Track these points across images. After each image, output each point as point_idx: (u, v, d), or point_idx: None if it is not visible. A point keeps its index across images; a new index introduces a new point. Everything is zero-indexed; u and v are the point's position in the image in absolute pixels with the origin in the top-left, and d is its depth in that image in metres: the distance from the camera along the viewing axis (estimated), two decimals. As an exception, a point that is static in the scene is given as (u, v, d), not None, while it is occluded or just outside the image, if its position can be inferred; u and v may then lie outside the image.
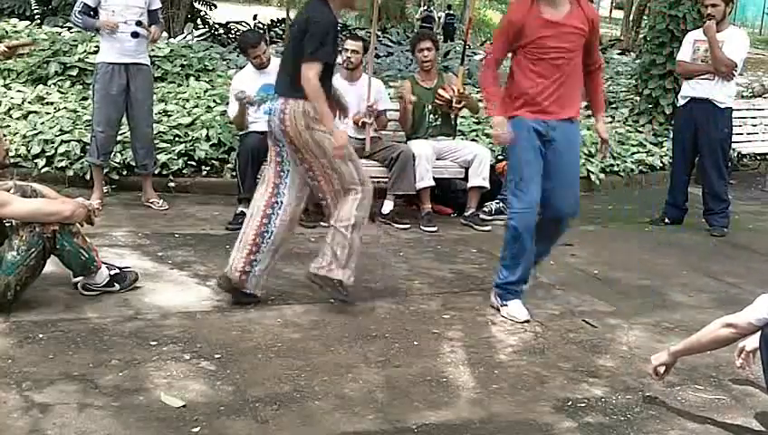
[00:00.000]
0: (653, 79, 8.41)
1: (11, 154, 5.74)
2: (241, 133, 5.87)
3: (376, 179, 6.14)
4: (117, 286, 4.05)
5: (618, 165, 7.63)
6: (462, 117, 6.95)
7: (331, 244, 4.02)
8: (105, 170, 5.87)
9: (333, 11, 3.93)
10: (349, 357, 3.55)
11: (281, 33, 11.96)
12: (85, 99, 6.81)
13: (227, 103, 6.19)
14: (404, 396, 3.23)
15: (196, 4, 12.94)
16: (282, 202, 4.00)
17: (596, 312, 4.32)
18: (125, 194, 6.00)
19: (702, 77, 5.95)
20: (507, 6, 28.33)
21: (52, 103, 6.85)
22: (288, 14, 5.89)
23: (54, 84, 7.22)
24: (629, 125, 8.51)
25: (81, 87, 7.20)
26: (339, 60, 6.04)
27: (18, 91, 7.03)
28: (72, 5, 5.57)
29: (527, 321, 4.07)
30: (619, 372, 3.58)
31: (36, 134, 6.25)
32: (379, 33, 12.43)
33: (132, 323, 3.73)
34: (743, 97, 9.54)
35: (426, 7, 19.86)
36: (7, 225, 3.77)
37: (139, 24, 5.47)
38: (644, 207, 6.72)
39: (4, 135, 5.94)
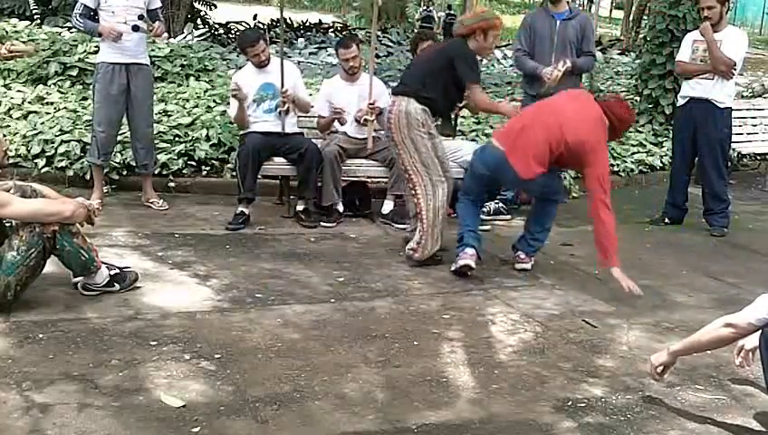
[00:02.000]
0: (653, 79, 8.41)
1: (11, 154, 5.74)
2: (241, 133, 5.87)
3: (376, 179, 6.17)
4: (117, 286, 4.05)
5: (618, 165, 7.63)
6: (462, 117, 6.94)
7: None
8: (105, 170, 5.86)
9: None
10: (349, 357, 3.55)
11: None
12: (85, 99, 6.81)
13: (227, 103, 6.19)
14: (404, 396, 3.23)
15: (196, 4, 12.96)
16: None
17: (596, 312, 4.32)
18: (125, 194, 6.00)
19: (701, 77, 5.94)
20: (508, 7, 28.30)
21: (52, 103, 6.84)
22: (282, 14, 5.80)
23: (54, 84, 7.21)
24: (629, 125, 8.50)
25: (81, 87, 7.19)
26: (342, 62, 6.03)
27: (18, 91, 7.02)
28: (71, 6, 5.57)
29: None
30: (619, 372, 3.58)
31: (36, 134, 6.25)
32: (379, 33, 12.42)
33: (132, 323, 3.73)
34: (743, 97, 9.53)
35: (426, 7, 19.81)
36: (7, 225, 3.78)
37: (141, 17, 5.46)
38: (644, 207, 6.71)
39: (4, 135, 5.94)
